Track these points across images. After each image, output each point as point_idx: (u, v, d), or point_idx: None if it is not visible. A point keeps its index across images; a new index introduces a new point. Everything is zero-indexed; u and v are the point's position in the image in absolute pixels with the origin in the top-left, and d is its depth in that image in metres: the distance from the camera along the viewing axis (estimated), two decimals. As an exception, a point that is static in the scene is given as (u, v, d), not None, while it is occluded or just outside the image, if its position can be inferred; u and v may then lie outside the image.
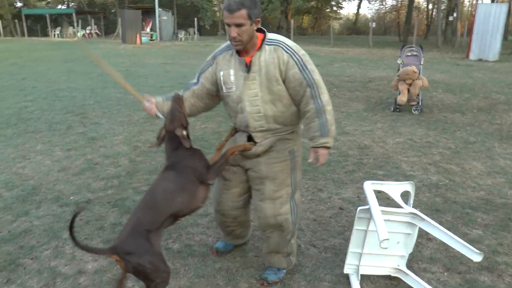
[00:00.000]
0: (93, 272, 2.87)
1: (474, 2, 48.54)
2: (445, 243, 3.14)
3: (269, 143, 2.60)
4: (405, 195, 2.78)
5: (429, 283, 2.74)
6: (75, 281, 2.78)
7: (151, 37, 30.24)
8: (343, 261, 2.82)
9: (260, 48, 2.48)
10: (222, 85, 2.59)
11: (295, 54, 2.45)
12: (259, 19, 2.42)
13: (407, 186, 2.81)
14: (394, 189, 2.74)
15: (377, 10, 65.31)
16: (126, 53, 18.81)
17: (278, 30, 40.06)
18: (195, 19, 34.57)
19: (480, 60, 18.83)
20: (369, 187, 2.64)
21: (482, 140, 6.15)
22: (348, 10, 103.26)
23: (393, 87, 7.89)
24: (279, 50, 2.45)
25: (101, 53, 18.37)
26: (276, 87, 2.47)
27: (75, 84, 10.15)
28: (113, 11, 46.82)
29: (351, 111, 7.85)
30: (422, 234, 3.38)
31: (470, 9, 50.46)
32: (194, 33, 32.48)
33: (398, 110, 7.80)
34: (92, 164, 4.90)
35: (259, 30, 2.51)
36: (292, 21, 32.35)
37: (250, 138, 2.62)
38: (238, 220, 2.97)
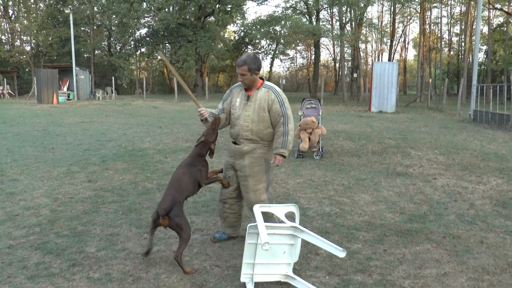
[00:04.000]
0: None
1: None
2: (330, 255, 3.86)
3: (250, 148, 3.98)
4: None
5: (313, 284, 3.35)
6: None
7: (68, 97, 29.98)
8: (242, 274, 3.37)
9: (258, 88, 3.99)
10: (231, 106, 4.10)
11: (279, 96, 3.97)
12: (257, 71, 3.95)
13: (291, 207, 3.48)
14: (280, 210, 3.40)
15: (288, 68, 69.43)
16: (43, 113, 18.64)
17: (194, 88, 41.31)
18: (113, 78, 34.86)
19: (380, 112, 20.88)
20: (258, 209, 3.27)
21: (371, 177, 7.11)
22: (262, 68, 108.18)
23: (296, 136, 8.81)
24: (270, 91, 3.97)
25: (16, 114, 18.07)
26: (262, 114, 3.94)
27: (-11, 144, 10.09)
28: (27, 70, 45.72)
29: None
30: (312, 250, 4.05)
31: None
32: (112, 92, 32.66)
33: (301, 156, 8.69)
34: (12, 216, 5.07)
35: (261, 78, 4.04)
36: (207, 79, 33.67)
37: (234, 143, 4.09)
38: (232, 208, 4.27)
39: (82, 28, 44.48)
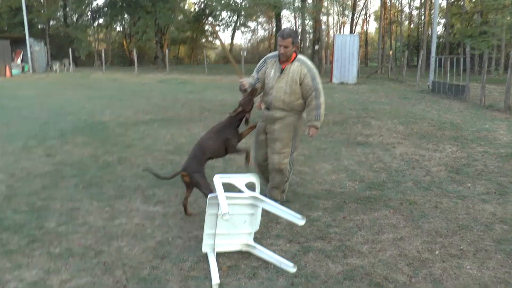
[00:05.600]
0: None
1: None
2: (290, 224, 3.94)
3: (282, 115, 4.28)
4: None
5: (274, 252, 3.42)
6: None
7: (23, 69, 28.79)
8: (204, 246, 3.40)
9: (292, 62, 4.22)
10: (265, 76, 4.35)
11: (311, 70, 4.20)
12: (297, 45, 4.20)
13: (252, 177, 3.51)
14: (240, 180, 3.43)
15: (249, 40, 68.79)
16: (-5, 87, 17.87)
17: (154, 60, 40.43)
18: (70, 49, 33.62)
19: (341, 83, 21.09)
20: (218, 179, 3.28)
21: (332, 146, 7.23)
22: (223, 40, 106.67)
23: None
24: (302, 66, 4.20)
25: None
26: (294, 86, 4.19)
27: None
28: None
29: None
30: (272, 218, 4.12)
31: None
32: (70, 64, 31.55)
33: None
34: (-35, 192, 4.90)
35: (294, 51, 4.23)
36: (167, 51, 32.94)
37: (267, 109, 4.41)
38: (266, 171, 4.57)
39: (34, -3, 42.44)
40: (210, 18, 52.35)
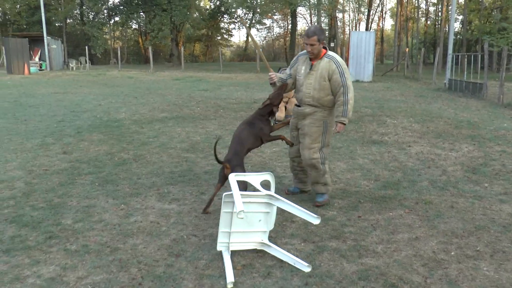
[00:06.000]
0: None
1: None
2: (305, 223, 3.93)
3: (312, 110, 4.37)
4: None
5: (289, 252, 3.42)
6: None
7: (40, 67, 29.18)
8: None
9: (321, 58, 4.31)
10: (297, 73, 4.48)
11: (340, 66, 4.25)
12: (324, 41, 4.28)
13: (267, 176, 3.51)
14: (255, 178, 3.43)
15: (265, 37, 68.72)
16: (14, 84, 18.12)
17: (170, 58, 40.64)
18: (86, 47, 33.99)
19: (357, 81, 20.96)
20: (233, 178, 3.29)
21: (347, 145, 7.20)
22: (238, 37, 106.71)
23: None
24: (331, 62, 4.27)
25: (-15, 85, 17.52)
26: (323, 82, 4.27)
27: (-42, 116, 9.80)
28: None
29: (234, 129, 8.56)
30: (287, 217, 4.12)
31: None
32: (86, 62, 31.90)
33: (278, 125, 8.70)
34: (-16, 189, 4.99)
35: (324, 47, 4.33)
36: (182, 49, 33.09)
37: (298, 106, 4.54)
38: (301, 166, 4.70)
39: (52, -4, 43.01)
40: (225, 16, 52.47)
